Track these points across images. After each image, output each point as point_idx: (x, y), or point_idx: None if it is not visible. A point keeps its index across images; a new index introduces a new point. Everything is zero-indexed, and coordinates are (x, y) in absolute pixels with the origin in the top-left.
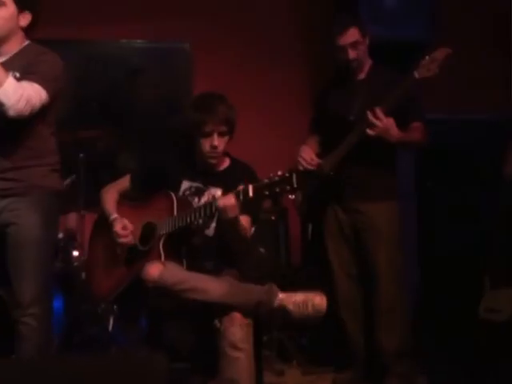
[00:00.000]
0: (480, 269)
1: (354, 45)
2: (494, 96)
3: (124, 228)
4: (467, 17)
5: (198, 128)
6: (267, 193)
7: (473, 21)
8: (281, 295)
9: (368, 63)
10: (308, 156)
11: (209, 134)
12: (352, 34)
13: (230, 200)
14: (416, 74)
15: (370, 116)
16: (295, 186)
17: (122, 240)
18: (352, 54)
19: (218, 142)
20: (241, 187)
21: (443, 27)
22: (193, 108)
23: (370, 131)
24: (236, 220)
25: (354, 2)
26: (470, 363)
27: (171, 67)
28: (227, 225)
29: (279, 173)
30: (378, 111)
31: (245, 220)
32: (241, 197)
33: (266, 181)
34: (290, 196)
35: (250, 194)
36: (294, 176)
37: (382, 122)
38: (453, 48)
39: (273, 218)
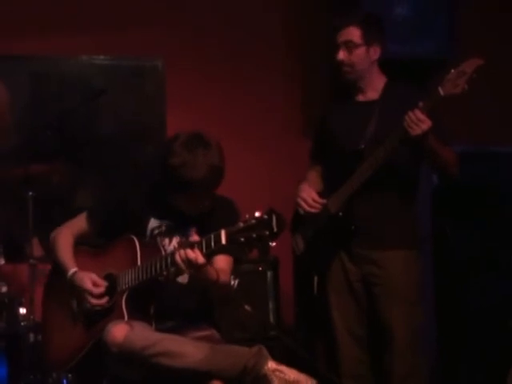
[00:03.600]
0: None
1: (348, 45)
2: None
3: (95, 285)
4: (492, 32)
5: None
6: (243, 239)
7: (498, 37)
8: (271, 364)
9: (381, 81)
10: (309, 196)
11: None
12: (349, 32)
13: (189, 254)
14: (441, 91)
15: (413, 115)
16: (275, 230)
17: (95, 302)
18: (342, 54)
19: None
20: (193, 238)
21: (463, 43)
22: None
23: (413, 131)
24: (201, 273)
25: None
26: None
27: (140, 88)
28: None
29: (257, 214)
30: (418, 113)
31: (223, 261)
32: (212, 244)
33: (241, 225)
34: (270, 243)
35: (223, 241)
36: (274, 218)
37: (426, 124)
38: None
39: (260, 268)
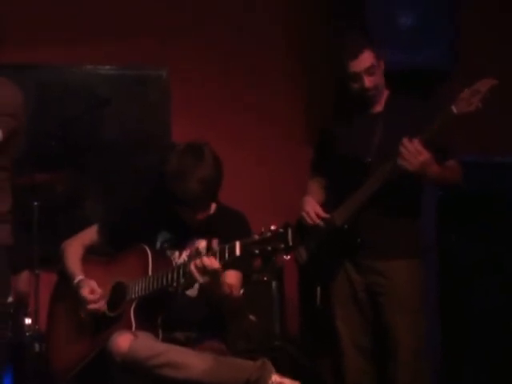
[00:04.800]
0: None
1: (370, 70)
2: None
3: (92, 292)
4: (493, 43)
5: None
6: (257, 252)
7: (500, 45)
8: (275, 378)
9: (385, 93)
10: (313, 210)
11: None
12: (367, 58)
13: (204, 261)
14: (454, 109)
15: (405, 147)
16: (290, 244)
17: (91, 307)
18: (369, 81)
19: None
20: (213, 243)
21: (465, 53)
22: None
23: (406, 166)
24: (216, 284)
25: (361, 20)
26: None
27: (144, 97)
28: (206, 288)
29: (272, 227)
30: (417, 143)
31: (233, 276)
32: (226, 255)
33: (257, 237)
34: (284, 256)
35: (237, 252)
36: (290, 232)
37: (423, 156)
38: (475, 78)
39: (265, 278)
